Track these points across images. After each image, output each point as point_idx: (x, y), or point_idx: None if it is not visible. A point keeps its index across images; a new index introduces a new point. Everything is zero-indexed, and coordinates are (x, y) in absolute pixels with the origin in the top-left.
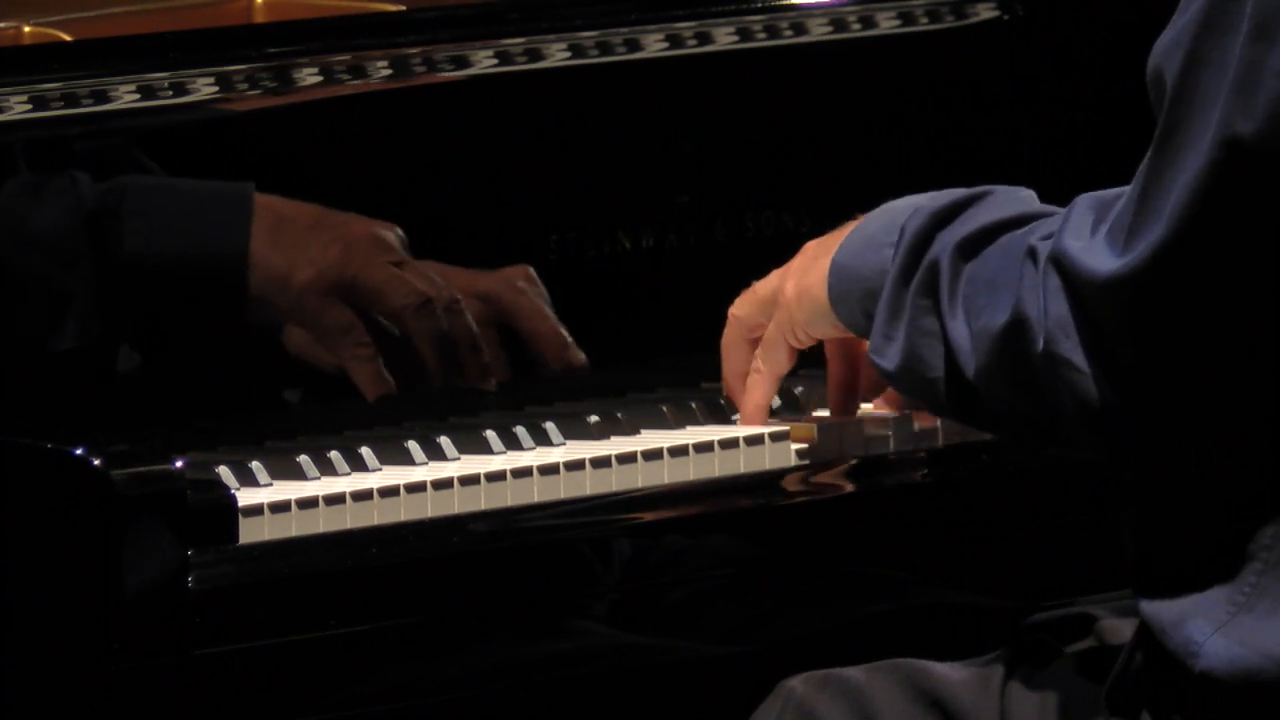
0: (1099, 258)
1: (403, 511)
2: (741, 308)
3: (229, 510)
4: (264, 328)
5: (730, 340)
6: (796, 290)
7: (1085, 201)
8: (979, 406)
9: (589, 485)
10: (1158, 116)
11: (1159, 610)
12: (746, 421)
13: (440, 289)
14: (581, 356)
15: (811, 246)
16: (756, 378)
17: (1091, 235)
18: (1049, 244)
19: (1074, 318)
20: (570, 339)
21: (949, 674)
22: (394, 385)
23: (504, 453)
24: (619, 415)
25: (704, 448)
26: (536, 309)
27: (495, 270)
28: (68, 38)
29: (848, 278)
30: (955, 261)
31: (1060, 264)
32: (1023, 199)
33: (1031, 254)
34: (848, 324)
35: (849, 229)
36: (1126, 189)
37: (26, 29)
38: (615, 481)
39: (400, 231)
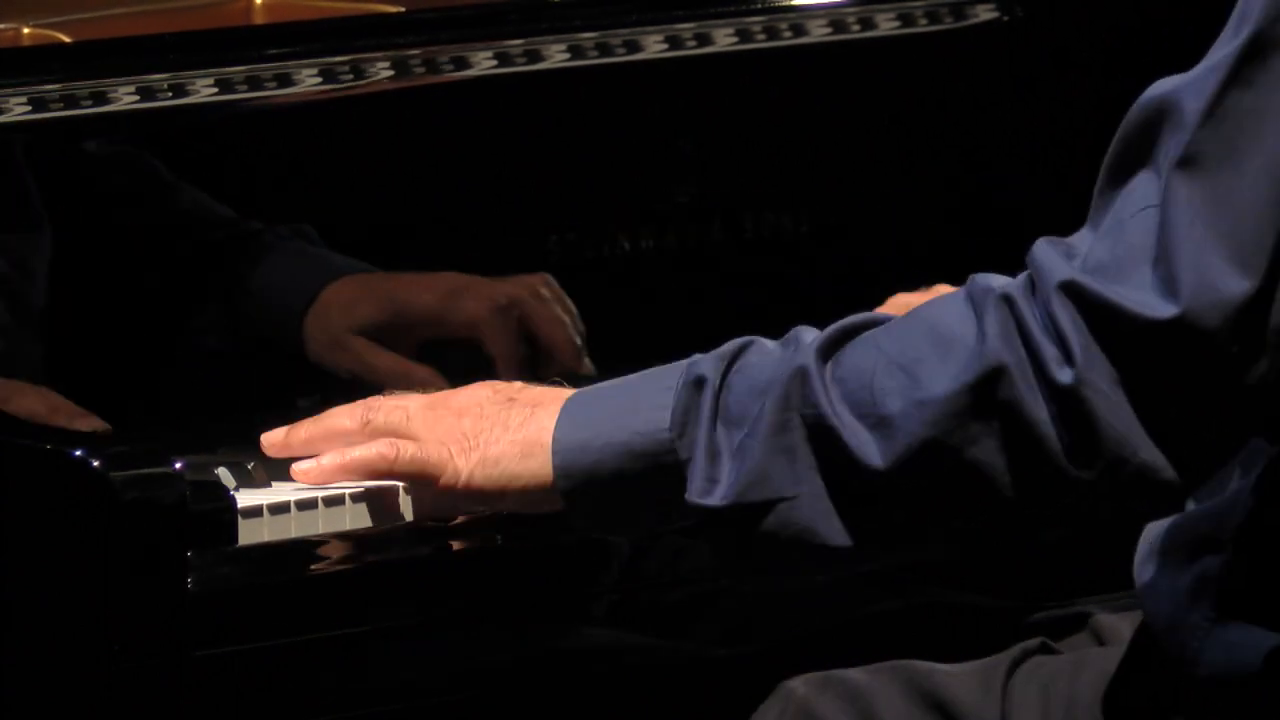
0: (1141, 295)
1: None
2: None
3: (228, 512)
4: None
5: None
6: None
7: (1053, 242)
8: (879, 497)
9: None
10: (1140, 149)
11: (1160, 611)
12: None
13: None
14: (590, 366)
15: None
16: None
17: (1090, 266)
18: (1053, 278)
19: (1102, 346)
20: (583, 349)
21: (950, 675)
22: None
23: None
24: None
25: None
26: (555, 317)
27: (517, 276)
28: (67, 39)
29: (593, 448)
30: (822, 366)
31: (1081, 295)
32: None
33: (1007, 300)
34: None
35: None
36: (1074, 238)
37: (26, 30)
38: None
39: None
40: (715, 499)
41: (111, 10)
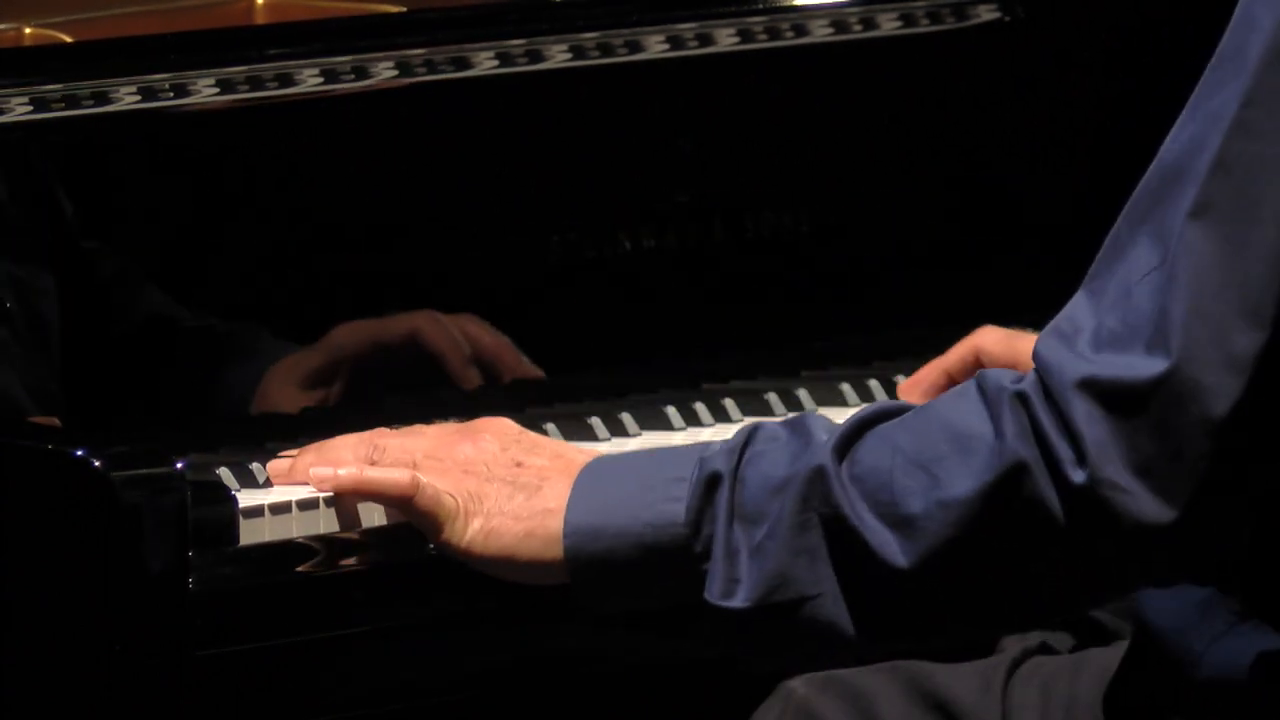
0: (1144, 358)
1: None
2: None
3: (229, 512)
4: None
5: None
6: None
7: (1055, 333)
8: (902, 595)
9: None
10: (1146, 214)
11: (1160, 615)
12: None
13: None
14: (535, 369)
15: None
16: None
17: (1103, 342)
18: (1067, 376)
19: (1121, 430)
20: (523, 358)
21: (950, 675)
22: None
23: None
24: (620, 416)
25: None
26: (491, 332)
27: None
28: (68, 39)
29: (605, 535)
30: (838, 465)
31: (1096, 384)
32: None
33: (1021, 399)
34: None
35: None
36: (1073, 313)
37: (27, 30)
38: None
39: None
40: (738, 601)
41: (113, 10)
